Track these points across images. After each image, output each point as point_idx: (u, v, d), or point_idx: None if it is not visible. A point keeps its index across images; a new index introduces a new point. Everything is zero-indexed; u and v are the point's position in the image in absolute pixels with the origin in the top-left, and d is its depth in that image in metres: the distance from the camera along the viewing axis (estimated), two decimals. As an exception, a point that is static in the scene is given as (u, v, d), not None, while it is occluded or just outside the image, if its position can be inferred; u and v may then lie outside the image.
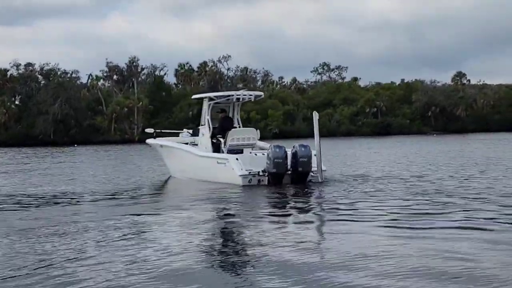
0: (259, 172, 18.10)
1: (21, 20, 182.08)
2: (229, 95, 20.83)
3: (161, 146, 22.82)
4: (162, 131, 25.06)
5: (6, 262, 8.34)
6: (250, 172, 18.09)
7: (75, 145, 75.78)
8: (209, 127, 20.41)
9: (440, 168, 23.33)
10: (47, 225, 11.47)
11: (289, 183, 17.97)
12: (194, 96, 22.88)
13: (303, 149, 17.96)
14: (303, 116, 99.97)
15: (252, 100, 21.32)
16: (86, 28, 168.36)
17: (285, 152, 17.94)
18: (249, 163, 18.60)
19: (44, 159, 41.23)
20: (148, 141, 24.06)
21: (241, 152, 19.81)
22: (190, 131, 23.09)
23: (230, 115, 21.27)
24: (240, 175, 17.97)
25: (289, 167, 18.02)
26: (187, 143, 21.85)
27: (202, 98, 21.28)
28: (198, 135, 21.55)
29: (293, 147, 18.22)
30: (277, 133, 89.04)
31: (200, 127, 21.12)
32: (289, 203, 14.64)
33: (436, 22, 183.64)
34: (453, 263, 7.66)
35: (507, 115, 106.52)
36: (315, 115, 19.10)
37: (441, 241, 9.03)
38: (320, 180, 18.06)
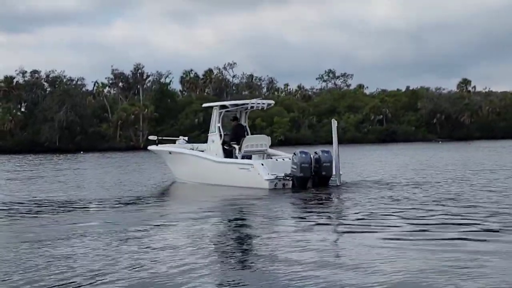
0: (284, 176, 18.73)
1: (26, 27, 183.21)
2: (243, 104, 21.35)
3: (170, 152, 22.99)
4: (163, 138, 25.53)
5: (19, 267, 8.39)
6: (276, 177, 18.70)
7: (81, 152, 75.95)
8: (220, 134, 20.70)
9: (452, 174, 23.22)
10: (60, 231, 11.49)
11: (311, 186, 18.74)
12: (205, 105, 23.18)
13: (325, 154, 18.98)
14: (308, 123, 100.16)
15: (265, 108, 21.82)
16: (90, 35, 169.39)
17: (311, 157, 18.82)
18: (271, 168, 19.22)
19: (51, 166, 41.28)
20: (150, 147, 24.62)
21: (250, 158, 20.34)
22: (186, 138, 24.11)
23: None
24: (267, 180, 18.71)
25: (312, 171, 18.82)
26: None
27: (212, 107, 21.53)
28: (193, 142, 22.54)
29: (315, 153, 19.14)
30: (283, 140, 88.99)
31: (209, 134, 21.40)
32: (317, 208, 14.69)
33: (440, 28, 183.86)
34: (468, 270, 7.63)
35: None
36: (334, 123, 19.88)
37: (456, 249, 9.01)
38: (338, 184, 18.89)
